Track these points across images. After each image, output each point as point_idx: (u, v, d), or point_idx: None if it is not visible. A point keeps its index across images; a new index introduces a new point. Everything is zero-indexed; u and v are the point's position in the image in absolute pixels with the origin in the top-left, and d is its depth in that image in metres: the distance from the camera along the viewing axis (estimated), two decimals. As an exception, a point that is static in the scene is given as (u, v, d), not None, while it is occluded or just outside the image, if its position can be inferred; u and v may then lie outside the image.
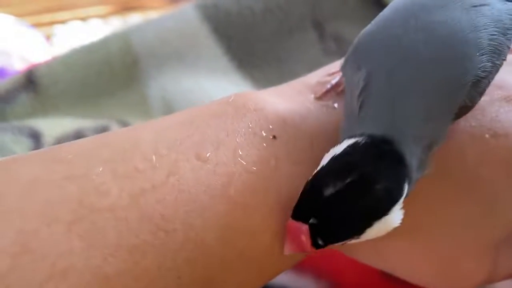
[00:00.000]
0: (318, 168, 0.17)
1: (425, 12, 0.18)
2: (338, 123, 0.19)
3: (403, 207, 0.17)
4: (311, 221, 0.17)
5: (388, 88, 0.17)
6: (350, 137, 0.17)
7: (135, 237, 0.16)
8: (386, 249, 0.21)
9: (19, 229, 0.16)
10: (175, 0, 0.69)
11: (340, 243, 0.17)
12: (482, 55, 0.18)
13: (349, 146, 0.17)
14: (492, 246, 0.20)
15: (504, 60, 0.19)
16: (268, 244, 0.18)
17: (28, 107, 0.42)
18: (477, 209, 0.20)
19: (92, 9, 0.70)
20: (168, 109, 0.40)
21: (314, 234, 0.17)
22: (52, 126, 0.39)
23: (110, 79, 0.42)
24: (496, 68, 0.18)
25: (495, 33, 0.18)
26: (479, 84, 0.18)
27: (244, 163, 0.18)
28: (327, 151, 0.18)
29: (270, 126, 0.19)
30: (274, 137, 0.19)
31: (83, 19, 0.68)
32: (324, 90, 0.21)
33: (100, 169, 0.17)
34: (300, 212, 0.17)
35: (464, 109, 0.19)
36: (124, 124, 0.39)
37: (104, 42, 0.43)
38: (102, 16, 0.68)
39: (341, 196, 0.16)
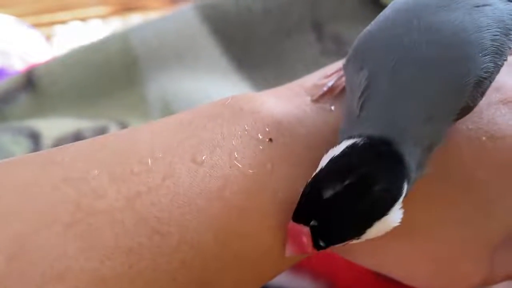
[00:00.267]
0: (317, 170, 0.17)
1: (428, 12, 0.18)
2: (335, 126, 0.19)
3: (402, 207, 0.17)
4: (312, 223, 0.17)
5: (390, 89, 0.17)
6: (348, 138, 0.17)
7: (131, 239, 0.16)
8: (384, 251, 0.21)
9: (16, 231, 0.16)
10: (175, 0, 0.69)
11: (341, 244, 0.17)
12: (485, 55, 0.18)
13: (347, 148, 0.17)
14: (489, 248, 0.20)
15: (506, 60, 0.19)
16: (264, 246, 0.18)
17: (27, 107, 0.42)
18: (474, 210, 0.20)
19: (92, 9, 0.70)
20: (167, 109, 0.40)
21: (315, 235, 0.17)
22: (51, 126, 0.39)
23: (109, 80, 0.42)
24: (497, 68, 0.18)
25: (498, 33, 0.18)
26: (481, 85, 0.18)
27: (240, 166, 0.18)
28: (324, 153, 0.18)
29: (267, 129, 0.19)
30: (271, 140, 0.19)
31: (83, 19, 0.68)
32: (320, 92, 0.21)
33: (97, 172, 0.17)
34: (300, 214, 0.17)
35: (465, 110, 0.19)
36: (123, 124, 0.39)
37: (104, 43, 0.43)
38: (102, 17, 0.69)
39: (340, 198, 0.16)
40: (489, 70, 0.18)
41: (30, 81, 0.42)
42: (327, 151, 0.18)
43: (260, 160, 0.19)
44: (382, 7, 0.20)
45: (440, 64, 0.17)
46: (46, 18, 0.68)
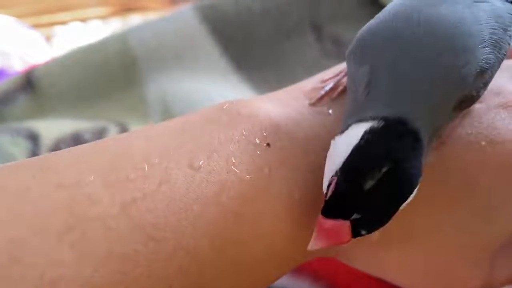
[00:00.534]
0: (337, 159, 0.17)
1: (428, 6, 0.18)
2: (333, 129, 0.19)
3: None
4: (354, 216, 0.16)
5: (392, 78, 0.17)
6: (358, 121, 0.17)
7: (126, 246, 0.16)
8: (384, 256, 0.21)
9: (8, 238, 0.15)
10: (175, 1, 0.69)
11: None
12: (484, 47, 0.18)
13: (367, 133, 0.17)
14: (489, 252, 0.20)
15: (505, 55, 0.19)
16: (261, 252, 0.18)
17: (27, 108, 0.42)
18: (472, 215, 0.20)
19: (92, 10, 0.70)
20: (167, 110, 0.40)
21: (356, 226, 0.17)
22: (50, 127, 0.39)
23: (108, 81, 0.42)
24: (498, 60, 0.18)
25: (496, 27, 0.18)
26: (483, 75, 0.18)
27: (237, 171, 0.18)
28: (322, 157, 0.18)
29: (264, 133, 0.19)
30: (268, 144, 0.19)
31: (83, 20, 0.68)
32: (318, 96, 0.21)
33: (92, 178, 0.17)
34: (338, 209, 0.17)
35: (469, 100, 0.19)
36: (123, 125, 0.39)
37: (102, 44, 0.43)
38: (102, 17, 0.69)
39: (381, 186, 0.16)
40: (490, 61, 0.18)
41: (29, 82, 0.42)
42: (323, 156, 0.17)
43: (258, 165, 0.18)
44: (381, 7, 0.20)
45: (439, 53, 0.17)
46: (46, 18, 0.68)
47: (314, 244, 0.17)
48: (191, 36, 0.42)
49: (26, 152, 0.36)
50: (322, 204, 0.17)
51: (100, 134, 0.38)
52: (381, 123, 0.17)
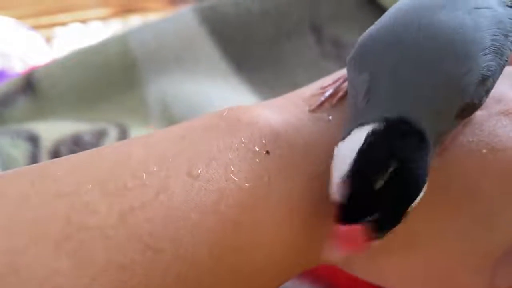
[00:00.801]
0: (342, 166, 0.17)
1: (428, 12, 0.18)
2: (333, 135, 0.19)
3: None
4: (372, 217, 0.16)
5: (394, 83, 0.17)
6: (360, 125, 0.17)
7: (123, 256, 0.16)
8: (384, 264, 0.21)
9: (5, 248, 0.15)
10: (174, 2, 0.69)
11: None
12: (486, 54, 0.18)
13: (369, 135, 0.17)
14: (490, 260, 0.20)
15: (506, 61, 0.19)
16: (260, 260, 0.18)
17: (27, 110, 0.42)
18: (473, 222, 0.20)
19: (92, 11, 0.70)
20: (167, 112, 0.40)
21: (374, 228, 0.17)
22: (50, 129, 0.39)
23: (108, 82, 0.42)
24: (500, 67, 0.18)
25: (497, 34, 0.18)
26: (485, 83, 0.18)
27: (236, 180, 0.18)
28: (322, 164, 0.18)
29: (264, 141, 0.19)
30: (267, 152, 0.19)
31: (84, 21, 0.68)
32: (318, 102, 0.21)
33: (90, 187, 0.17)
34: (355, 213, 0.17)
35: (472, 108, 0.18)
36: (123, 127, 0.39)
37: (103, 45, 0.43)
38: (103, 18, 0.68)
39: (390, 186, 0.16)
40: (492, 68, 0.18)
41: (29, 84, 0.42)
42: (324, 162, 0.17)
43: (257, 173, 0.18)
44: (379, 7, 0.20)
45: (442, 60, 0.17)
46: (46, 20, 0.68)
47: (337, 253, 0.17)
48: (191, 38, 0.42)
49: (26, 154, 0.36)
50: (324, 212, 0.17)
51: (100, 136, 0.38)
52: (383, 124, 0.17)
